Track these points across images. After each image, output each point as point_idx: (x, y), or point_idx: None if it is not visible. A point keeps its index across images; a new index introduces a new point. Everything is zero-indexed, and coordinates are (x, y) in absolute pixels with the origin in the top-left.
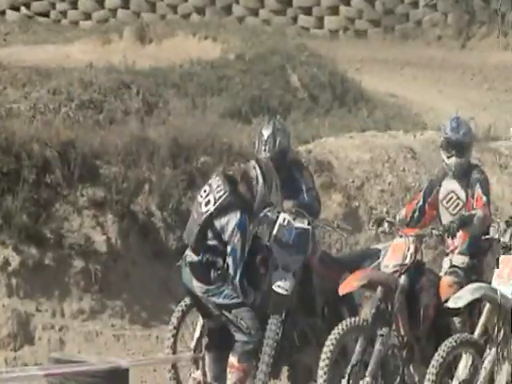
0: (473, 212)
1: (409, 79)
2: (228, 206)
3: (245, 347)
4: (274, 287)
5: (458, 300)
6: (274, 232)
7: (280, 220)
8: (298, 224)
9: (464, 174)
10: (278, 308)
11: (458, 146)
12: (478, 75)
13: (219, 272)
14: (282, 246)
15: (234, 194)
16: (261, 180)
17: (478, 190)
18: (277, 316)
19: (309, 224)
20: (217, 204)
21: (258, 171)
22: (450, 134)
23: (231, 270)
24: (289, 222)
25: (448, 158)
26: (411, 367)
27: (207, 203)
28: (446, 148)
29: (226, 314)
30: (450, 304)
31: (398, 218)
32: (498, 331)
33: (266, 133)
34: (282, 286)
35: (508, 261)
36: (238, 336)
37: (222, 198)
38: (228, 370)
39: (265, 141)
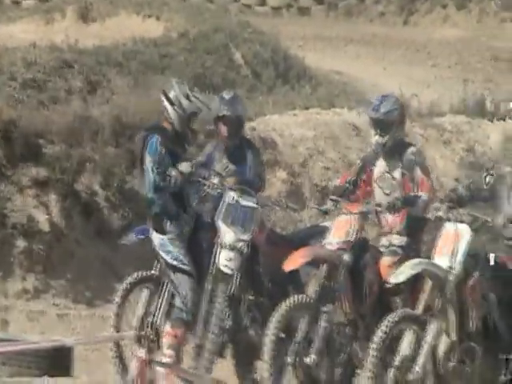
0: (419, 194)
1: (352, 56)
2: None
3: (178, 314)
4: (220, 266)
5: (399, 275)
6: (222, 210)
7: (227, 198)
8: (245, 202)
9: (397, 153)
10: (225, 287)
11: (381, 124)
12: (422, 52)
13: (173, 222)
14: (228, 225)
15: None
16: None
17: (419, 174)
18: (223, 294)
19: (256, 202)
20: None
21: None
22: (371, 112)
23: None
24: (236, 200)
25: (374, 136)
26: (356, 344)
27: None
28: (372, 126)
29: (171, 274)
30: (392, 279)
31: (332, 185)
32: (439, 306)
33: (228, 96)
34: (228, 266)
35: (448, 236)
36: (176, 300)
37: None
38: (163, 334)
39: (227, 101)
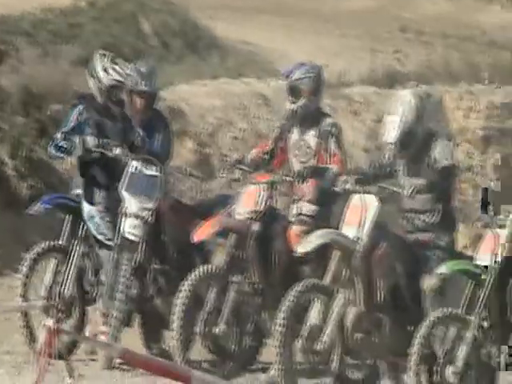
0: (329, 166)
1: (262, 26)
2: None
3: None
4: (125, 234)
5: (306, 245)
6: (125, 180)
7: (130, 168)
8: (148, 172)
9: (313, 122)
10: (130, 255)
11: (292, 90)
12: (331, 22)
13: (102, 192)
14: (132, 194)
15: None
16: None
17: (333, 146)
18: (128, 263)
19: (160, 171)
20: None
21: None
22: (284, 78)
23: None
24: (139, 170)
25: (290, 103)
26: (264, 313)
27: None
28: (288, 93)
29: (96, 248)
30: (299, 249)
31: (248, 158)
32: (346, 276)
33: (145, 69)
34: (133, 233)
35: (355, 208)
36: (102, 276)
37: None
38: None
39: (145, 75)
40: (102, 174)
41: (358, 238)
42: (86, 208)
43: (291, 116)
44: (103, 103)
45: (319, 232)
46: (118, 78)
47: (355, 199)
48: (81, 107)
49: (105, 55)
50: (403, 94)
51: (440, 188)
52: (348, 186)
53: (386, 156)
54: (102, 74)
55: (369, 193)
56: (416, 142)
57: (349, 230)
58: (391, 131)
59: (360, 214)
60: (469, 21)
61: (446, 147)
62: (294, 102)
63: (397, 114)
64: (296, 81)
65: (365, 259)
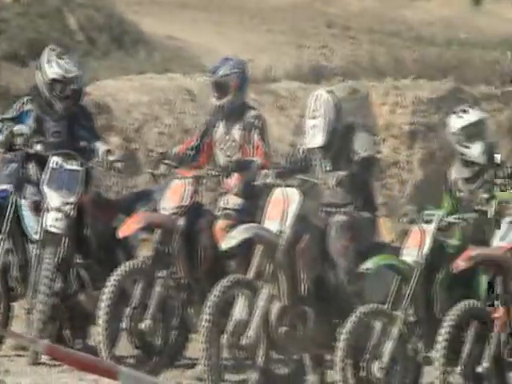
0: (253, 159)
1: (188, 21)
2: None
3: None
4: (47, 227)
5: (230, 240)
6: (46, 175)
7: (51, 164)
8: (69, 166)
9: (238, 116)
10: (53, 249)
11: (219, 86)
12: (257, 17)
13: (33, 188)
14: (53, 189)
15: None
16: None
17: (257, 138)
18: (51, 256)
19: (81, 165)
20: None
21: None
22: (210, 75)
23: None
24: (60, 165)
25: (216, 99)
26: (190, 309)
27: None
28: (213, 90)
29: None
30: (223, 245)
31: (174, 153)
32: (270, 270)
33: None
34: (55, 225)
35: (277, 201)
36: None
37: None
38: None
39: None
40: (32, 169)
41: (281, 232)
42: (19, 202)
43: (217, 111)
44: (47, 97)
45: (242, 227)
46: (58, 71)
47: (277, 193)
48: (26, 98)
49: (54, 50)
50: (319, 94)
51: (360, 179)
52: (269, 180)
53: (300, 151)
54: (45, 66)
55: (290, 186)
56: (338, 139)
57: (271, 224)
58: (316, 136)
59: (282, 208)
60: (395, 16)
61: (366, 139)
62: (220, 98)
63: (318, 116)
64: (222, 77)
65: (288, 253)
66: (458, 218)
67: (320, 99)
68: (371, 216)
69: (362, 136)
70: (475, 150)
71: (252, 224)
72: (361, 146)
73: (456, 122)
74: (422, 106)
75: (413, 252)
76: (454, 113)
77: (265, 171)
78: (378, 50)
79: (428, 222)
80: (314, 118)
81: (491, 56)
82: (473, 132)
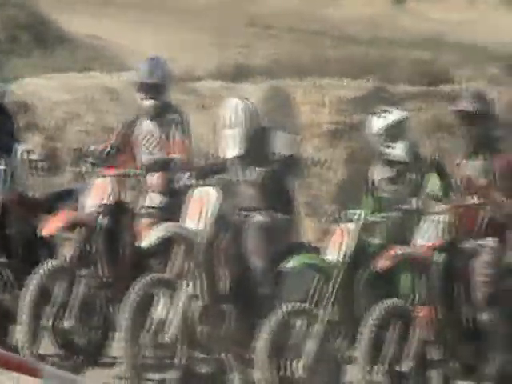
0: (175, 157)
1: (111, 20)
2: None
3: None
4: None
5: (149, 239)
6: None
7: None
8: None
9: (161, 114)
10: None
11: (153, 88)
12: (179, 16)
13: None
14: None
15: None
16: None
17: (178, 136)
18: None
19: (5, 165)
20: None
21: None
22: (144, 77)
23: None
24: None
25: (143, 100)
26: (113, 308)
27: None
28: (140, 90)
29: None
30: (142, 244)
31: (96, 151)
32: (190, 269)
33: None
34: None
35: (197, 200)
36: None
37: None
38: None
39: None
40: None
41: (201, 231)
42: None
43: (144, 112)
44: None
45: (162, 226)
46: None
47: (196, 192)
48: None
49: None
50: (234, 103)
51: (280, 177)
52: (189, 182)
53: (219, 152)
54: None
55: (209, 185)
56: (255, 145)
57: (191, 223)
58: (234, 146)
59: (201, 207)
60: (318, 15)
61: (285, 139)
62: (149, 99)
63: (235, 126)
64: (158, 79)
65: (208, 252)
66: (381, 217)
67: (235, 108)
68: (289, 217)
69: (281, 136)
70: (399, 150)
71: (172, 223)
72: (280, 146)
73: (377, 123)
74: (344, 105)
75: (335, 251)
76: (374, 114)
77: (188, 173)
78: (301, 49)
79: (351, 221)
80: (230, 127)
81: (414, 55)
82: (395, 132)
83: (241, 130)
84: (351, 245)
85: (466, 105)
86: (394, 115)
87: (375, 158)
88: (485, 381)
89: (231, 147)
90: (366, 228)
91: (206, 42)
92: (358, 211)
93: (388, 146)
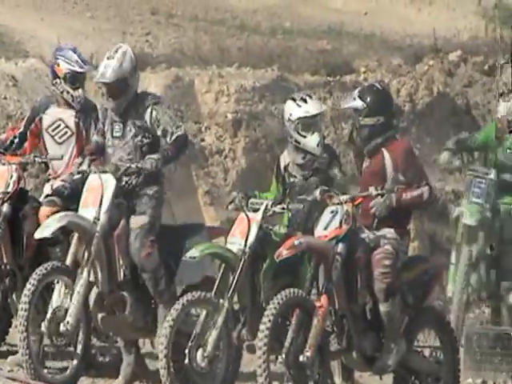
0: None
1: (11, 6)
2: None
3: None
4: None
5: (45, 229)
6: None
7: None
8: None
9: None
10: None
11: (80, 79)
12: (80, 3)
13: None
14: None
15: None
16: None
17: (91, 128)
18: None
19: None
20: None
21: None
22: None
23: None
24: None
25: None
26: (14, 295)
27: None
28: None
29: None
30: (37, 234)
31: None
32: (87, 257)
33: None
34: None
35: (93, 188)
36: None
37: None
38: None
39: None
40: None
41: (97, 219)
42: None
43: (50, 98)
44: None
45: (57, 215)
46: None
47: (92, 179)
48: None
49: None
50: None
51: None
52: (83, 168)
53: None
54: None
55: (105, 172)
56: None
57: (87, 211)
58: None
59: (98, 194)
60: (220, 4)
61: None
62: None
63: None
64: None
65: (104, 239)
66: (283, 208)
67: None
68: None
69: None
70: (311, 141)
71: (68, 212)
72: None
73: (295, 111)
74: (246, 95)
75: (239, 240)
76: (294, 99)
77: (79, 159)
78: (203, 38)
79: (255, 210)
80: None
81: (316, 45)
82: (310, 123)
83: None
84: (254, 234)
85: (352, 103)
86: (312, 107)
87: (288, 142)
88: (384, 371)
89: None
90: (270, 217)
91: (107, 30)
92: (261, 201)
93: (302, 135)
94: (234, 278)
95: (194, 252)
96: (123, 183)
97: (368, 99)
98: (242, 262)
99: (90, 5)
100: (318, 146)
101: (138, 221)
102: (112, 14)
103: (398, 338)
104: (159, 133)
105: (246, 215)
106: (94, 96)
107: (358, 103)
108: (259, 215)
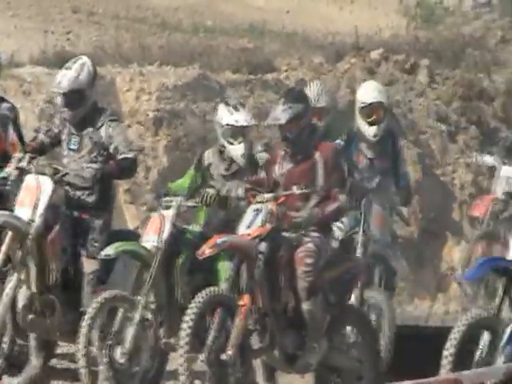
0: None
1: None
2: None
3: None
4: None
5: None
6: None
7: None
8: None
9: None
10: None
11: None
12: (2, 2)
13: None
14: None
15: None
16: None
17: (11, 133)
18: None
19: None
20: None
21: None
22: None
23: None
24: None
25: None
26: None
27: None
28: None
29: None
30: None
31: None
32: (19, 257)
33: None
34: None
35: (29, 188)
36: None
37: None
38: None
39: None
40: None
41: (32, 220)
42: None
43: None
44: None
45: None
46: None
47: (29, 179)
48: None
49: None
50: None
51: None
52: (22, 164)
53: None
54: None
55: (43, 173)
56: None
57: (22, 211)
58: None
59: (34, 196)
60: (141, 2)
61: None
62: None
63: None
64: None
65: (38, 241)
66: (196, 202)
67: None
68: (108, 204)
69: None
70: (237, 150)
71: (3, 212)
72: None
73: (225, 116)
74: (167, 93)
75: (152, 238)
76: (227, 104)
77: (19, 155)
78: (124, 36)
79: (168, 207)
80: None
81: (237, 43)
82: (238, 131)
83: None
84: (168, 230)
85: (277, 118)
86: (242, 118)
87: (216, 144)
88: (306, 370)
89: None
90: (185, 213)
91: (28, 28)
92: (174, 198)
93: (229, 142)
94: (149, 276)
95: (108, 250)
96: (71, 194)
97: (294, 107)
98: (156, 258)
99: (11, 3)
100: (242, 156)
101: (90, 265)
102: (34, 13)
103: (319, 337)
104: (111, 150)
105: (160, 213)
106: (14, 95)
107: (282, 117)
108: (172, 211)
